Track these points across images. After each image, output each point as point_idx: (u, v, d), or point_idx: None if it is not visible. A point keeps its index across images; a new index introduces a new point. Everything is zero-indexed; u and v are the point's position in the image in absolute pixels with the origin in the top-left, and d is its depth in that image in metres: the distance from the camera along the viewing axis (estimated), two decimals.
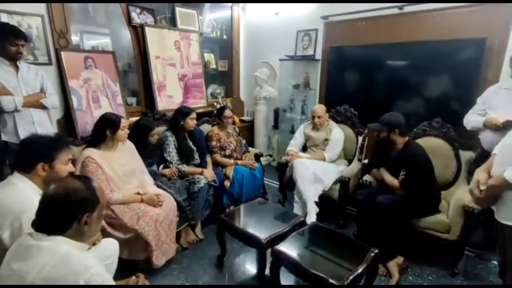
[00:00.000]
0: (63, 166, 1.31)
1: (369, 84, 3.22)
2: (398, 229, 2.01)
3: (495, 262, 2.11)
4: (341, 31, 3.35)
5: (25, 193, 1.18)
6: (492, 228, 2.16)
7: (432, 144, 2.37)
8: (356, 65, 3.29)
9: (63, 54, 2.59)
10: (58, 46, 2.58)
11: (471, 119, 2.19)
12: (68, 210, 0.95)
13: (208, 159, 2.67)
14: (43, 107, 2.17)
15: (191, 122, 2.50)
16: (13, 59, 2.02)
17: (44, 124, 2.20)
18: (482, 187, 1.19)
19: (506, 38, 2.43)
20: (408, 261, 2.09)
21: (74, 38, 2.84)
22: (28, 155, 1.23)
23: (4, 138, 2.03)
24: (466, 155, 2.29)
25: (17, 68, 2.05)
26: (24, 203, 1.15)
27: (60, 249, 0.90)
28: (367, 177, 2.40)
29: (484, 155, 2.11)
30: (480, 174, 1.25)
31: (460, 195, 2.07)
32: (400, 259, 2.04)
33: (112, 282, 0.97)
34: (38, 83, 2.18)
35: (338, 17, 3.29)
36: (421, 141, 2.35)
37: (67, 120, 2.65)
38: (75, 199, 0.95)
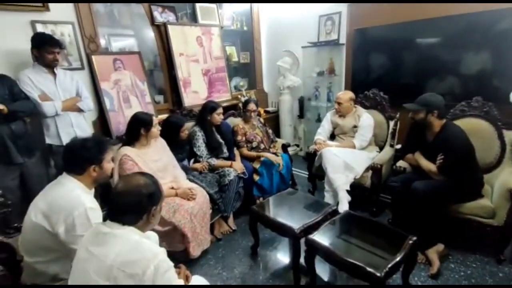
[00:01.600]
0: (109, 164, 1.41)
1: (398, 66, 3.07)
2: (437, 216, 1.92)
3: None
4: (366, 11, 3.20)
5: (74, 192, 1.28)
6: None
7: (472, 125, 2.23)
8: (383, 47, 3.14)
9: (94, 58, 2.70)
10: (89, 50, 2.69)
11: None
12: (141, 204, 1.05)
13: (236, 152, 2.70)
14: (80, 110, 2.29)
15: (217, 117, 2.53)
16: (50, 66, 2.14)
17: (82, 126, 2.33)
18: None
19: None
20: (449, 248, 2.00)
21: (102, 42, 2.95)
22: (79, 160, 1.32)
23: (48, 141, 2.18)
24: (511, 135, 2.13)
25: (54, 74, 2.18)
26: (74, 201, 1.25)
27: (132, 237, 1.01)
28: (401, 163, 2.31)
29: None
30: None
31: (505, 178, 1.94)
32: (440, 247, 1.96)
33: (173, 269, 1.05)
34: (74, 87, 2.30)
35: None
36: (459, 123, 2.20)
37: (102, 121, 2.78)
38: (146, 194, 1.06)
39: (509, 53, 2.42)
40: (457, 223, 2.00)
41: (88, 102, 2.35)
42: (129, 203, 1.04)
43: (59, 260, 1.29)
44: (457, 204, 1.97)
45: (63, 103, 2.17)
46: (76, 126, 2.27)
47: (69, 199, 1.25)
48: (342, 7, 3.36)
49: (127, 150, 1.93)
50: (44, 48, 2.06)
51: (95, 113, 2.75)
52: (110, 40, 3.15)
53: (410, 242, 1.57)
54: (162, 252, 1.01)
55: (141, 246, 0.99)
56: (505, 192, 1.84)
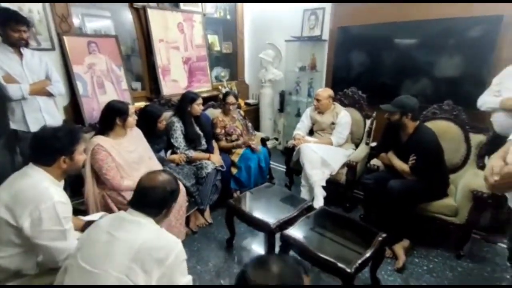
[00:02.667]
0: (81, 156, 1.36)
1: (377, 65, 3.14)
2: (406, 213, 2.02)
3: (502, 245, 2.14)
4: (349, 10, 3.23)
5: (42, 184, 1.21)
6: (499, 212, 2.18)
7: (442, 127, 2.34)
8: (365, 45, 3.20)
9: (65, 39, 2.54)
10: (60, 30, 2.53)
11: (487, 100, 2.15)
12: (165, 199, 1.15)
13: (215, 144, 2.67)
14: (50, 95, 2.16)
15: (197, 107, 2.49)
16: (16, 45, 1.99)
17: (51, 111, 2.20)
18: (495, 177, 1.17)
19: None
20: (414, 243, 2.12)
21: (76, 22, 2.78)
22: (49, 150, 1.26)
23: (13, 126, 2.04)
24: (476, 139, 2.26)
25: (21, 55, 2.03)
26: (42, 194, 1.18)
27: (154, 228, 1.10)
28: (375, 161, 2.39)
29: (495, 139, 2.08)
30: (495, 160, 1.22)
31: (468, 179, 2.07)
32: (406, 242, 2.07)
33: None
34: (42, 70, 2.16)
35: None
36: (430, 124, 2.31)
37: (74, 106, 2.64)
38: (169, 190, 1.16)
39: (479, 60, 2.54)
40: (423, 220, 2.12)
41: (59, 86, 2.22)
42: (155, 198, 1.12)
43: (22, 255, 1.22)
44: (425, 203, 2.08)
45: (31, 86, 2.03)
46: (45, 111, 2.14)
47: (36, 192, 1.19)
48: (326, 3, 3.36)
49: (100, 139, 1.85)
50: (9, 26, 1.91)
51: (66, 98, 2.60)
52: (85, 21, 2.97)
53: (380, 238, 1.64)
54: (180, 243, 1.09)
55: (165, 235, 1.10)
56: (467, 192, 1.96)
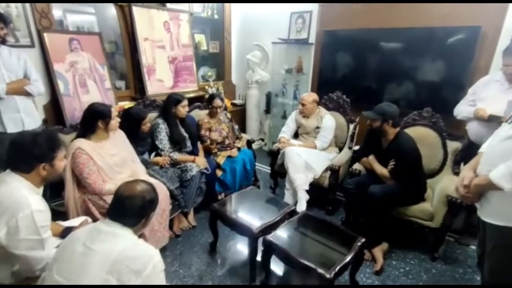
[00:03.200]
0: (61, 162, 1.33)
1: (362, 70, 3.21)
2: (385, 217, 2.09)
3: (473, 247, 2.24)
4: (335, 14, 3.28)
5: (20, 192, 1.18)
6: (472, 216, 2.29)
7: (421, 134, 2.42)
8: (350, 50, 3.25)
9: (46, 35, 2.47)
10: (40, 26, 2.45)
11: (462, 109, 2.23)
12: (143, 209, 1.13)
13: (200, 146, 2.67)
14: (28, 94, 2.09)
15: (182, 109, 2.47)
16: None
17: (30, 111, 2.14)
18: (464, 190, 1.23)
19: (499, 28, 2.43)
20: (392, 246, 2.19)
21: (57, 17, 2.69)
22: (28, 157, 1.23)
23: None
24: (453, 145, 2.35)
25: None
26: (19, 202, 1.15)
27: (132, 237, 1.09)
28: (357, 166, 2.46)
29: (470, 147, 2.18)
30: (466, 172, 1.28)
31: (444, 185, 2.15)
32: (384, 245, 2.14)
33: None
34: (21, 68, 2.09)
35: None
36: (410, 130, 2.39)
37: (54, 105, 2.57)
38: (148, 199, 1.14)
39: (458, 69, 2.63)
40: (401, 224, 2.20)
41: (38, 85, 2.15)
42: (132, 207, 1.10)
43: None
44: (403, 207, 2.16)
45: (8, 86, 1.96)
46: (23, 112, 2.08)
47: (14, 200, 1.16)
48: (313, 7, 3.40)
49: (81, 143, 1.81)
50: None
51: (46, 97, 2.53)
52: (67, 17, 2.88)
53: (359, 243, 1.69)
54: (158, 253, 1.09)
55: (142, 245, 1.08)
56: (443, 197, 2.04)
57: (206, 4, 3.83)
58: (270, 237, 1.72)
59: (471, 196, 1.23)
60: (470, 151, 1.99)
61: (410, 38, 2.84)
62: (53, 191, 2.19)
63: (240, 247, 2.25)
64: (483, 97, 2.09)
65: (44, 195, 1.73)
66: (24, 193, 1.18)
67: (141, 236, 1.86)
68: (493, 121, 1.92)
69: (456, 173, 2.26)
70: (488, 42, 2.51)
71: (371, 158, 2.27)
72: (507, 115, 1.32)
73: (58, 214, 1.93)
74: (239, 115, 4.16)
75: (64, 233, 1.45)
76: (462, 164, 2.30)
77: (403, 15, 2.84)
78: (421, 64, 2.84)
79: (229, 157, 2.73)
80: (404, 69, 2.93)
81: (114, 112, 1.93)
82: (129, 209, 1.10)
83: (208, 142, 2.69)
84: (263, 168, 3.56)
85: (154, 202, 1.19)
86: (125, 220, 1.09)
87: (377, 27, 2.99)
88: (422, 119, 2.50)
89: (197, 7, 3.68)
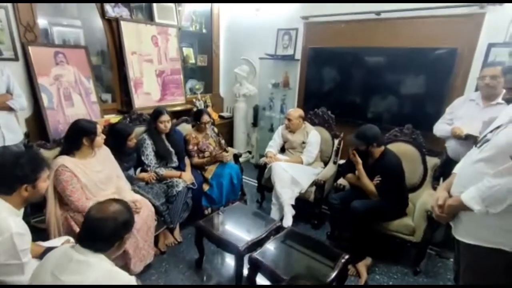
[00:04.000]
0: (44, 183, 1.30)
1: (346, 86, 3.31)
2: (368, 232, 2.14)
3: (452, 260, 2.31)
4: (320, 32, 3.39)
5: (0, 215, 1.15)
6: (451, 229, 2.37)
7: (402, 149, 2.50)
8: (334, 67, 3.35)
9: (30, 49, 2.45)
10: (25, 40, 2.43)
11: (441, 128, 2.33)
12: (116, 231, 1.07)
13: (187, 161, 2.66)
14: (10, 109, 2.06)
15: (161, 125, 2.41)
16: None
17: (12, 127, 2.11)
18: (439, 210, 1.28)
19: (473, 50, 2.57)
20: (375, 260, 2.23)
21: (42, 31, 2.67)
22: (9, 179, 1.20)
23: None
24: (432, 161, 2.44)
25: None
26: None
27: (105, 266, 1.03)
28: (341, 181, 2.51)
29: (448, 163, 2.27)
30: (440, 192, 1.34)
31: (424, 199, 2.23)
32: (368, 260, 2.18)
33: None
34: (3, 83, 2.06)
35: (318, 18, 3.32)
36: (392, 146, 2.47)
37: (37, 119, 2.53)
38: (121, 221, 1.08)
39: (436, 87, 2.76)
40: (384, 239, 2.25)
41: (20, 101, 2.12)
42: (104, 231, 1.04)
43: None
44: (386, 222, 2.21)
45: None
46: (4, 127, 2.04)
47: None
48: (300, 24, 3.50)
49: (65, 160, 1.78)
50: None
51: (29, 110, 2.49)
52: (52, 30, 2.86)
53: (343, 260, 1.72)
54: (134, 280, 1.07)
55: (116, 275, 1.03)
56: (423, 212, 2.11)
57: (194, 18, 3.88)
58: (256, 254, 1.73)
59: (445, 216, 1.29)
60: (448, 167, 2.07)
61: (392, 57, 2.96)
62: (34, 207, 2.14)
63: (227, 264, 2.24)
64: (459, 116, 2.19)
65: (25, 211, 1.70)
66: (4, 216, 1.16)
67: (124, 254, 1.85)
68: (470, 140, 2.01)
69: (435, 188, 2.35)
70: (463, 63, 2.64)
71: (362, 172, 2.28)
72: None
73: (39, 231, 1.89)
74: (227, 128, 4.18)
75: (44, 254, 1.41)
76: (441, 179, 2.39)
77: (385, 36, 2.97)
78: (402, 82, 2.96)
79: (221, 162, 2.73)
80: (386, 86, 3.05)
81: (100, 128, 1.91)
82: (101, 232, 1.04)
83: (195, 156, 2.69)
84: (250, 181, 3.57)
85: (128, 224, 1.13)
86: (98, 245, 1.04)
87: (360, 46, 3.11)
88: (403, 135, 2.59)
89: (185, 22, 3.73)
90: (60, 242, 1.57)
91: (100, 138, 1.91)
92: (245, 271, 1.83)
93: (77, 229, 1.81)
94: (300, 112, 2.86)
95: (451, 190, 1.31)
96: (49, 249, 1.44)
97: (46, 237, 1.77)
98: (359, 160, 2.21)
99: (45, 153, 2.02)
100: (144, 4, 3.27)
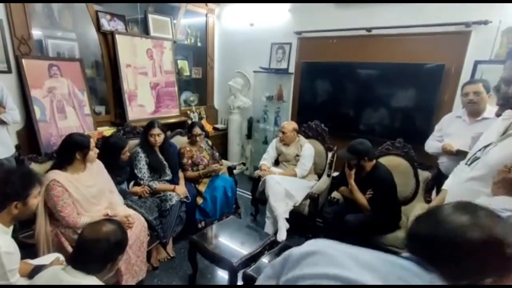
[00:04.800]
0: (35, 200, 1.29)
1: (339, 99, 3.36)
2: (363, 246, 2.13)
3: None
4: (313, 47, 3.46)
5: None
6: None
7: (394, 163, 2.54)
8: (327, 80, 3.41)
9: (24, 61, 2.44)
10: (18, 53, 2.42)
11: (431, 145, 2.36)
12: (109, 252, 1.06)
13: (181, 175, 2.65)
14: (3, 123, 2.04)
15: (151, 139, 2.40)
16: None
17: (2, 139, 2.09)
18: None
19: (460, 67, 2.65)
20: None
21: (37, 42, 2.67)
22: (0, 195, 1.18)
23: None
24: (424, 175, 2.48)
25: None
26: None
27: None
28: (335, 194, 2.52)
29: (439, 177, 2.31)
30: None
31: (417, 212, 2.24)
32: None
33: None
34: None
35: (311, 33, 3.40)
36: (384, 159, 2.51)
37: (29, 131, 2.51)
38: (114, 242, 1.06)
39: (426, 102, 2.82)
40: None
41: (13, 114, 2.11)
42: (97, 252, 1.03)
43: None
44: (379, 235, 2.22)
45: None
46: None
47: None
48: (293, 39, 3.57)
49: (57, 174, 1.75)
50: None
51: (21, 123, 2.46)
52: (47, 43, 2.86)
53: None
54: None
55: None
56: None
57: (189, 31, 3.93)
58: (250, 270, 1.71)
59: None
60: (439, 180, 2.10)
61: (383, 71, 3.03)
62: (22, 222, 2.08)
63: (220, 280, 2.20)
64: (448, 133, 2.24)
65: (14, 226, 1.66)
66: None
67: (116, 271, 1.81)
68: (461, 155, 2.05)
69: (428, 201, 2.38)
70: (451, 79, 2.72)
71: (353, 187, 2.30)
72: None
73: (27, 247, 1.84)
74: (221, 139, 4.19)
75: (33, 273, 1.38)
76: (434, 192, 2.43)
77: (376, 51, 3.05)
78: (393, 96, 3.02)
79: (215, 175, 2.73)
80: (378, 99, 3.10)
81: (93, 143, 1.90)
82: (93, 254, 1.02)
83: (189, 170, 2.69)
84: (244, 193, 3.56)
85: (122, 244, 1.11)
86: (89, 266, 1.02)
87: (352, 61, 3.18)
88: (395, 149, 2.64)
89: (180, 35, 3.77)
90: (50, 260, 1.53)
91: (93, 153, 1.90)
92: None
93: (68, 246, 1.78)
94: (294, 125, 2.89)
95: None
96: (38, 267, 1.41)
97: (35, 253, 1.73)
98: (351, 175, 2.23)
99: (37, 167, 1.99)
100: (139, 17, 3.31)
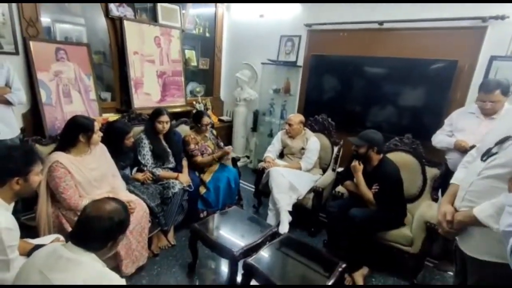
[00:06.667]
0: (36, 177, 1.27)
1: (347, 94, 3.30)
2: (366, 241, 2.10)
3: (451, 273, 2.27)
4: (323, 40, 3.40)
5: None
6: (449, 242, 2.32)
7: (402, 159, 2.49)
8: (336, 75, 3.35)
9: (31, 44, 2.43)
10: (26, 35, 2.41)
11: (441, 139, 2.30)
12: (110, 231, 1.05)
13: (184, 163, 2.63)
14: (8, 103, 2.03)
15: (159, 125, 2.39)
16: None
17: (8, 120, 2.07)
18: (448, 225, 1.22)
19: (474, 63, 2.57)
20: (372, 270, 2.19)
21: (46, 26, 2.66)
22: (1, 170, 1.17)
23: None
24: (432, 172, 2.42)
25: None
26: None
27: (96, 266, 1.00)
28: (340, 188, 2.48)
29: (447, 174, 2.25)
30: (446, 206, 1.26)
31: (423, 210, 2.19)
32: (365, 270, 2.14)
33: None
34: (3, 76, 2.04)
35: (321, 26, 3.34)
36: (392, 155, 2.46)
37: (34, 114, 2.50)
38: (117, 221, 1.05)
39: (436, 98, 2.75)
40: (381, 249, 2.21)
41: (19, 95, 2.09)
42: (99, 230, 1.02)
43: None
44: (384, 232, 2.18)
45: None
46: (0, 120, 2.00)
47: None
48: (303, 31, 3.51)
49: (60, 156, 1.74)
50: None
51: (26, 105, 2.46)
52: (55, 27, 2.85)
53: (340, 269, 1.68)
54: (123, 282, 1.04)
55: (106, 276, 1.00)
56: (422, 223, 2.08)
57: (198, 21, 3.89)
58: (250, 260, 1.69)
59: (454, 232, 1.23)
60: (448, 178, 2.03)
61: (393, 66, 2.96)
62: (25, 204, 2.09)
63: (220, 269, 2.19)
64: (460, 128, 2.18)
65: (16, 207, 1.65)
66: None
67: (116, 256, 1.80)
68: None
69: (435, 199, 2.32)
70: (464, 76, 2.65)
71: (360, 179, 2.24)
72: (486, 147, 1.34)
73: (28, 228, 1.84)
74: (226, 131, 4.16)
75: (32, 252, 1.37)
76: (440, 191, 2.37)
77: (387, 46, 2.98)
78: (402, 92, 2.96)
79: (222, 164, 2.71)
80: (387, 95, 3.04)
81: (97, 126, 1.88)
82: (95, 231, 1.01)
83: (199, 155, 2.67)
84: (247, 186, 3.53)
85: (124, 224, 1.10)
86: (90, 244, 1.01)
87: (362, 55, 3.12)
88: (403, 145, 2.58)
89: (188, 24, 3.73)
90: (49, 240, 1.53)
91: (97, 136, 1.88)
92: (239, 277, 1.78)
93: (69, 228, 1.77)
94: (301, 117, 2.85)
95: (457, 203, 1.24)
96: (38, 246, 1.40)
97: (35, 235, 1.72)
98: (359, 167, 2.18)
99: (40, 149, 1.99)
100: (148, 5, 3.28)
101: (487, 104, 2.00)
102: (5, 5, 2.25)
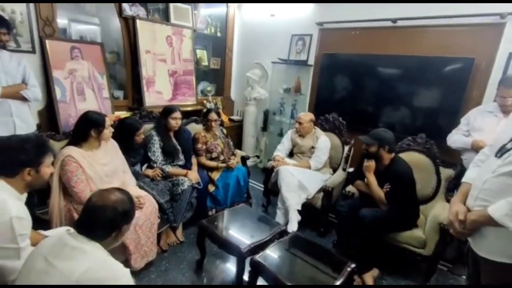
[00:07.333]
0: (48, 169, 1.30)
1: (358, 93, 3.25)
2: (377, 242, 2.05)
3: (465, 277, 2.18)
4: (335, 38, 3.36)
5: (0, 197, 1.14)
6: (463, 245, 2.24)
7: (415, 159, 2.42)
8: (347, 74, 3.31)
9: (48, 42, 2.49)
10: (43, 34, 2.48)
11: (457, 139, 2.24)
12: (115, 221, 1.05)
13: (194, 161, 2.64)
14: (24, 99, 2.09)
15: (172, 121, 2.42)
16: None
17: (23, 116, 2.13)
18: (461, 226, 1.17)
19: (492, 61, 2.49)
20: (383, 272, 2.14)
21: (61, 26, 2.73)
22: (14, 161, 1.19)
23: None
24: (446, 172, 2.35)
25: None
26: None
27: (100, 254, 1.00)
28: (350, 188, 2.43)
29: (462, 175, 2.17)
30: (458, 206, 1.21)
31: (437, 212, 2.13)
32: (375, 271, 2.09)
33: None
34: (19, 73, 2.09)
35: (333, 24, 3.30)
36: (405, 155, 2.39)
37: (49, 111, 2.56)
38: (121, 211, 1.06)
39: (452, 97, 2.68)
40: (392, 250, 2.15)
41: (35, 91, 2.15)
42: (103, 219, 1.03)
43: None
44: (395, 233, 2.12)
45: (3, 89, 1.96)
46: (16, 116, 2.06)
47: None
48: (314, 30, 3.49)
49: (72, 150, 1.78)
50: None
51: (42, 103, 2.52)
52: (71, 26, 2.92)
53: (349, 269, 1.65)
54: (128, 272, 1.02)
55: (110, 265, 1.00)
56: (435, 224, 2.02)
57: (210, 21, 3.92)
58: (258, 257, 1.67)
59: (467, 232, 1.18)
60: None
61: (407, 65, 2.90)
62: (41, 199, 2.14)
63: (228, 266, 2.18)
64: (477, 127, 2.11)
65: (32, 202, 1.70)
66: (4, 198, 1.14)
67: (125, 250, 1.82)
68: None
69: (449, 201, 2.24)
70: (480, 74, 2.56)
71: (372, 179, 2.18)
72: (501, 143, 1.28)
73: (42, 222, 1.88)
74: (236, 131, 4.16)
75: None
76: (455, 192, 2.29)
77: (400, 44, 2.92)
78: (416, 91, 2.89)
79: (227, 168, 2.70)
80: (400, 95, 2.98)
81: (108, 121, 1.91)
82: (99, 220, 1.02)
83: (203, 156, 2.68)
84: (256, 185, 3.52)
85: (128, 214, 1.10)
86: (95, 232, 1.01)
87: (375, 53, 3.06)
88: (416, 145, 2.51)
89: (200, 24, 3.77)
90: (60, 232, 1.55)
91: (108, 131, 1.91)
92: (246, 275, 1.77)
93: None
94: (311, 116, 2.82)
95: (469, 203, 1.19)
96: None
97: (49, 227, 1.75)
98: (372, 166, 2.14)
99: (54, 144, 2.04)
100: (161, 5, 3.32)
101: (508, 100, 1.93)
102: (23, 4, 2.33)
